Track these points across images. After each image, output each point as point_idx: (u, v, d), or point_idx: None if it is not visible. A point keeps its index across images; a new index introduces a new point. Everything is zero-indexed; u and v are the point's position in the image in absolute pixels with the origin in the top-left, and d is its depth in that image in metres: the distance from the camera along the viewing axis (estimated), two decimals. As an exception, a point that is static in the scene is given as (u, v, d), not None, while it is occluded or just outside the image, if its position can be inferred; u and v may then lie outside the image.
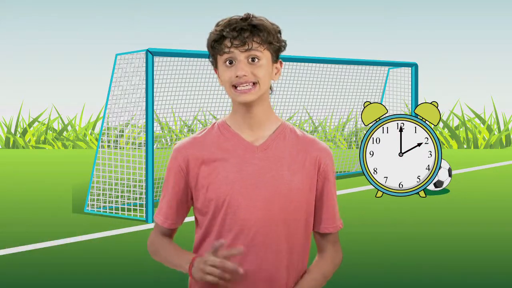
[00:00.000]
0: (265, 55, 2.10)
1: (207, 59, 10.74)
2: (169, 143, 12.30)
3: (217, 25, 2.11)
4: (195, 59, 9.15)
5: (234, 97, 2.12)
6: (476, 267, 5.90)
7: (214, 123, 2.24)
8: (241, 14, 2.14)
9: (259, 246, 2.14)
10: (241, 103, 2.13)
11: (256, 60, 2.09)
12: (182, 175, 2.19)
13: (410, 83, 12.26)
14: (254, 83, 2.10)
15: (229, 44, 2.08)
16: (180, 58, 8.95)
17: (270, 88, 2.18)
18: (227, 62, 2.10)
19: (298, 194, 2.16)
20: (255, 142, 2.17)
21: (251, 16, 2.11)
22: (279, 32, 2.16)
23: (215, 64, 2.16)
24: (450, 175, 9.84)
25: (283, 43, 2.17)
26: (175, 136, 12.65)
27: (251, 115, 2.15)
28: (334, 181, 2.26)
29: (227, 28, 2.07)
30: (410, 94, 12.36)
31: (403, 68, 12.47)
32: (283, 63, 2.22)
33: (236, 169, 2.14)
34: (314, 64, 11.47)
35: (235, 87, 2.10)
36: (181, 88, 9.29)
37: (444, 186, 9.86)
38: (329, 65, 11.72)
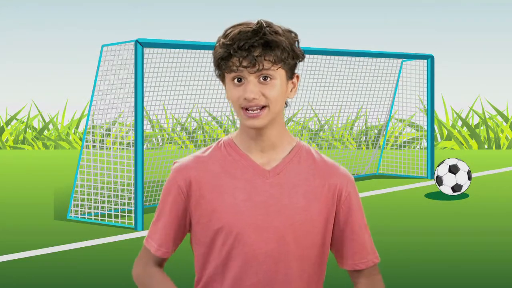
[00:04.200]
0: (278, 74, 2.03)
1: (202, 51, 10.72)
2: (160, 143, 12.30)
3: (225, 35, 2.04)
4: (189, 50, 9.15)
5: (242, 120, 2.05)
6: (497, 279, 5.91)
7: (220, 141, 2.18)
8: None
9: (270, 282, 2.09)
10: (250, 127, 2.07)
11: (268, 79, 2.02)
12: (182, 198, 2.13)
13: (425, 77, 12.27)
14: (263, 107, 2.03)
15: (237, 63, 2.00)
16: (173, 50, 8.96)
17: (285, 103, 2.13)
18: (235, 80, 2.03)
19: (314, 225, 2.10)
20: (266, 165, 2.11)
21: (264, 26, 2.02)
22: (297, 41, 2.08)
23: (222, 79, 2.10)
24: (469, 178, 9.85)
25: (301, 55, 2.09)
26: (166, 135, 12.65)
27: (262, 138, 2.10)
28: (360, 210, 2.20)
29: (235, 44, 1.99)
30: (425, 89, 12.37)
31: (417, 60, 12.48)
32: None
33: (245, 196, 2.08)
34: (319, 56, 11.46)
35: (245, 109, 2.03)
36: (173, 83, 9.30)
37: (463, 190, 9.86)
38: (336, 57, 11.72)
